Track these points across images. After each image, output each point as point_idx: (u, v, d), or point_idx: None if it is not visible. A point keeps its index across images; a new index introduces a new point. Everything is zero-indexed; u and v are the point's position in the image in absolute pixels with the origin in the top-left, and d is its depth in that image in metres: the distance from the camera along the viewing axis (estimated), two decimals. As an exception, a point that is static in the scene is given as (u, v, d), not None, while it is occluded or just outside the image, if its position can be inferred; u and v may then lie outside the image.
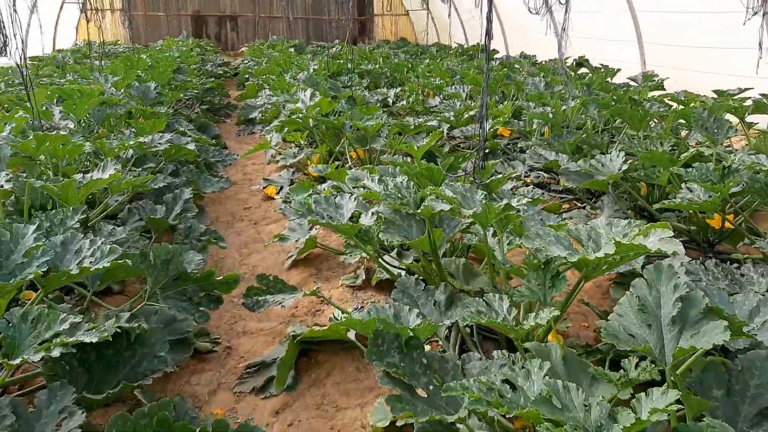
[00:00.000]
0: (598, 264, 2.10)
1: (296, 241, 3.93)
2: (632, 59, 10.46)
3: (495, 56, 12.23)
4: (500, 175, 3.60)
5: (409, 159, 4.43)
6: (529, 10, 5.38)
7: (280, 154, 6.63)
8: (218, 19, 19.84)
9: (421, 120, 5.31)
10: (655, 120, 5.10)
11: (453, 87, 7.29)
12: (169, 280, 2.79)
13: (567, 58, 9.77)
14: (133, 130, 4.86)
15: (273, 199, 5.63)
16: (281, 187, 5.66)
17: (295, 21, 19.71)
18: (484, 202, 2.48)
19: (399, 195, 2.74)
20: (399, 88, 9.48)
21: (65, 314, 1.79)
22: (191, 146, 5.13)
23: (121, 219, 4.12)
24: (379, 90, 9.38)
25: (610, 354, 2.36)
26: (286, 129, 5.84)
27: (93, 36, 17.86)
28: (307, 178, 5.98)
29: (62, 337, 1.69)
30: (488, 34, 3.65)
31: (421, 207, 2.67)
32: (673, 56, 9.89)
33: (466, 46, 14.13)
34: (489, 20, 3.64)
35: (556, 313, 1.94)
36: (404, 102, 8.65)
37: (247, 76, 11.77)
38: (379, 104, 8.16)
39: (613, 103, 4.68)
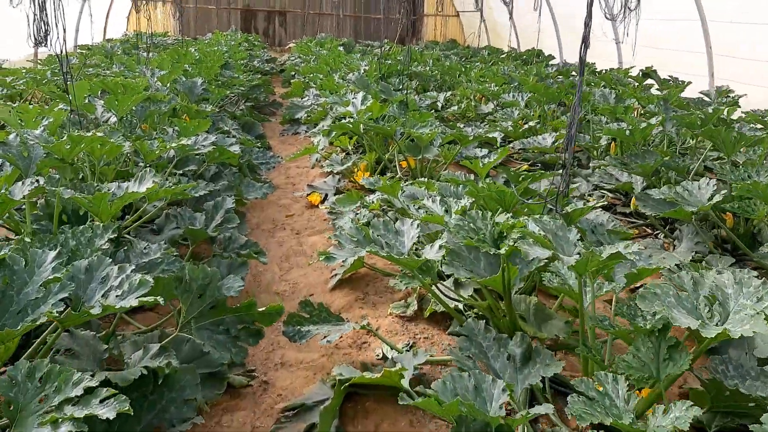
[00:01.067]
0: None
1: (343, 261, 3.59)
2: (700, 72, 9.83)
3: (550, 62, 11.71)
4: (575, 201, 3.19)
5: (469, 176, 4.05)
6: (605, 16, 4.93)
7: (326, 159, 6.32)
8: (267, 14, 19.74)
9: (481, 130, 4.92)
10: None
11: (510, 94, 6.87)
12: (205, 308, 2.48)
13: (631, 68, 9.22)
14: (177, 129, 4.60)
15: (317, 207, 5.31)
16: (326, 195, 5.34)
17: (344, 19, 19.46)
18: (583, 247, 2.09)
19: (472, 227, 2.36)
20: (449, 92, 9.10)
21: (79, 375, 1.47)
22: (235, 148, 4.84)
23: (158, 225, 3.85)
24: (428, 93, 9.02)
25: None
26: (333, 133, 5.52)
27: (143, 26, 17.95)
28: (353, 187, 5.66)
29: (72, 412, 1.38)
30: (585, 41, 3.24)
31: (503, 246, 2.28)
32: (744, 70, 9.24)
33: (519, 50, 13.62)
34: (587, 25, 3.24)
35: (695, 412, 1.52)
36: (455, 107, 8.27)
37: (293, 73, 11.54)
38: (427, 109, 7.80)
39: (700, 123, 4.22)
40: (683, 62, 10.14)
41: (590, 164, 6.00)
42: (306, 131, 8.30)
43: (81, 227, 2.24)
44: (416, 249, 2.65)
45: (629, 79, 8.27)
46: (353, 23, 20.14)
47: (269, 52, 16.12)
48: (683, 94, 7.83)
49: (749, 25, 9.14)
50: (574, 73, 9.86)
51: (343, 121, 5.23)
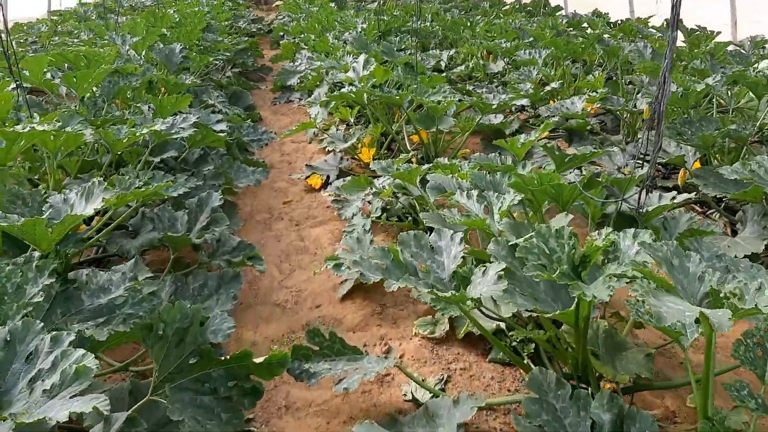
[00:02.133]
0: None
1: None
2: (722, 18, 9.07)
3: (558, 13, 10.91)
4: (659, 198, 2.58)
5: (495, 155, 3.41)
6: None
7: (325, 131, 5.66)
8: (251, -31, 18.61)
9: (504, 95, 4.25)
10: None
11: (526, 52, 6.17)
12: (184, 361, 1.89)
13: (650, 17, 8.47)
14: (153, 107, 3.93)
15: (317, 191, 4.68)
16: (327, 177, 4.70)
17: (333, -28, 18.37)
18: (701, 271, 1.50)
19: (543, 248, 1.75)
20: (453, 50, 8.36)
21: None
22: (221, 127, 4.19)
23: (133, 226, 3.23)
24: (430, 52, 8.29)
25: None
26: (332, 104, 4.85)
27: (121, -12, 16.90)
28: (357, 165, 5.02)
29: None
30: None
31: (590, 278, 1.68)
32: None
33: (522, 1, 12.75)
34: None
35: None
36: (461, 67, 7.55)
37: (282, 33, 10.72)
38: (432, 71, 7.08)
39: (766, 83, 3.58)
40: (702, 9, 9.36)
41: (621, 130, 5.36)
42: (300, 99, 7.59)
43: (3, 265, 1.63)
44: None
45: (651, 30, 7.55)
46: (343, -23, 19.06)
47: (255, 12, 15.18)
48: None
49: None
50: (586, 24, 9.09)
51: (344, 90, 4.56)
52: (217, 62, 6.19)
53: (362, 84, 4.56)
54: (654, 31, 7.52)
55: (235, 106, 6.51)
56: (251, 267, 3.09)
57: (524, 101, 4.21)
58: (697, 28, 7.12)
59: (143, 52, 5.58)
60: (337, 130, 5.36)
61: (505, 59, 7.27)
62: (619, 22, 8.86)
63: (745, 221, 3.64)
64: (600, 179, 2.54)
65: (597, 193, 2.64)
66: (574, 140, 5.35)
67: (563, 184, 2.27)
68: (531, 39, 7.13)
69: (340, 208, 3.93)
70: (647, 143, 2.13)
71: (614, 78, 5.51)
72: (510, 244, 2.01)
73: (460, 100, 4.35)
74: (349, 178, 4.14)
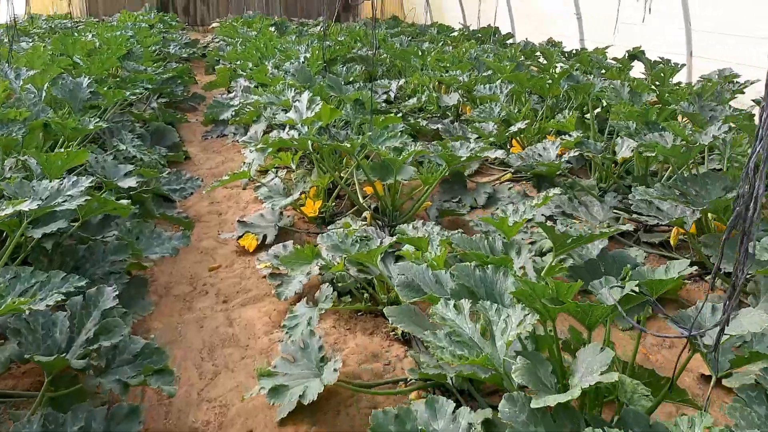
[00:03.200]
0: None
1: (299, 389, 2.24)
2: (677, 50, 8.83)
3: (508, 41, 10.53)
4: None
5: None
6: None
7: (264, 173, 4.91)
8: (186, -11, 17.71)
9: (473, 145, 3.60)
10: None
11: (486, 86, 5.61)
12: None
13: (607, 47, 8.12)
14: (38, 163, 3.10)
15: (251, 254, 3.91)
16: (264, 237, 3.94)
17: (273, -6, 17.71)
18: None
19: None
20: (402, 80, 7.77)
21: None
22: (131, 182, 3.39)
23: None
24: (378, 82, 7.68)
25: None
26: (270, 149, 4.11)
27: (45, 8, 15.66)
28: (301, 220, 4.28)
29: None
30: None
31: None
32: (725, 47, 8.31)
33: (473, 28, 12.38)
34: None
35: None
36: (413, 100, 6.96)
37: (217, 59, 9.90)
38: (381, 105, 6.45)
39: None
40: (654, 38, 9.12)
41: (591, 174, 4.83)
42: (235, 133, 6.81)
43: None
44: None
45: (610, 62, 7.16)
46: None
47: (189, 34, 14.28)
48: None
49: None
50: (539, 54, 8.69)
51: (284, 135, 3.83)
52: (137, 95, 5.35)
53: (306, 128, 3.85)
54: (613, 62, 7.14)
55: (158, 146, 5.68)
56: (158, 389, 2.30)
57: (498, 153, 3.58)
58: (660, 59, 6.77)
59: (44, 87, 4.70)
60: (275, 176, 4.62)
61: (459, 91, 6.72)
62: (574, 51, 8.50)
63: (758, 294, 3.11)
64: (643, 291, 1.90)
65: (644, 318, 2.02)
66: (543, 185, 4.79)
67: (594, 305, 1.63)
68: (489, 71, 6.59)
69: (278, 285, 3.18)
70: (741, 260, 1.49)
71: (583, 116, 5.00)
72: (533, 406, 1.33)
73: (422, 153, 3.68)
74: (290, 245, 3.40)
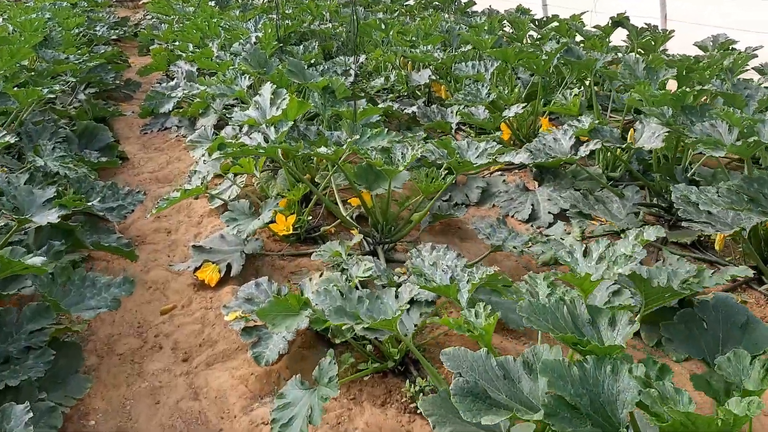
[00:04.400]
0: None
1: None
2: (650, 12, 8.30)
3: (470, 9, 9.83)
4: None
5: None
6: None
7: (218, 176, 4.13)
8: (112, -38, 16.18)
9: (486, 146, 2.90)
10: None
11: (469, 64, 4.93)
12: None
13: (582, 14, 7.52)
14: None
15: (213, 289, 3.16)
16: (228, 266, 3.18)
17: (208, -35, 16.35)
18: None
19: None
20: (363, 56, 7.02)
21: None
22: (51, 216, 2.60)
23: None
24: (336, 59, 6.90)
25: None
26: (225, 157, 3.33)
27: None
28: (272, 240, 3.54)
29: None
30: None
31: None
32: (698, 8, 7.85)
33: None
34: None
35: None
36: (380, 80, 6.21)
37: (152, 38, 8.85)
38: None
39: None
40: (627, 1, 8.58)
41: (596, 161, 4.24)
42: (179, 125, 5.93)
43: None
44: None
45: (591, 30, 6.57)
46: (221, -30, 17.05)
47: (118, 12, 12.99)
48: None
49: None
50: (506, 23, 8.03)
51: (246, 139, 3.06)
52: (56, 93, 4.42)
53: (272, 129, 3.10)
54: (595, 30, 6.55)
55: (87, 149, 4.79)
56: None
57: (523, 157, 2.88)
58: (646, 26, 6.21)
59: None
60: (232, 183, 3.83)
61: (430, 68, 6.01)
62: (544, 19, 7.87)
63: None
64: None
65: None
66: (546, 178, 4.18)
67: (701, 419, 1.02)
68: (465, 46, 5.89)
69: (254, 343, 2.46)
70: None
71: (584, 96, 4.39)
72: None
73: (422, 156, 2.97)
74: (264, 283, 2.68)
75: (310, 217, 3.50)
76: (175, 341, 2.83)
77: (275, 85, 3.59)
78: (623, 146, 3.38)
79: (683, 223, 3.35)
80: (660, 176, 3.54)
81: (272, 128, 3.15)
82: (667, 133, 3.18)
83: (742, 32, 6.21)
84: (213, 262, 3.20)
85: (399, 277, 2.66)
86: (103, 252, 3.43)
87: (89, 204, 2.98)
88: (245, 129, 3.69)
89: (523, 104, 4.20)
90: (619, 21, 6.09)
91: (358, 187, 3.18)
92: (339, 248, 2.75)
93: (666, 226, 3.71)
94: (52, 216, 2.62)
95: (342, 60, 6.89)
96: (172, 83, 5.79)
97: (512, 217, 4.04)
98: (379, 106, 4.35)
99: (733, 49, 5.42)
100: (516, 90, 4.45)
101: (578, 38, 7.17)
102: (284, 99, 3.31)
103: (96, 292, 2.58)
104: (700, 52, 5.60)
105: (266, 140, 3.08)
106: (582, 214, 3.56)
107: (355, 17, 3.83)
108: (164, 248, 3.72)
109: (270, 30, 5.62)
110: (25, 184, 3.17)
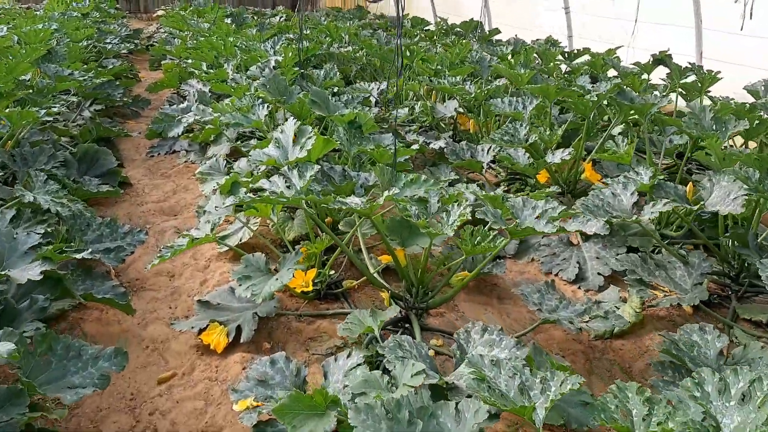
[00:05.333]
0: None
1: None
2: (686, 50, 7.94)
3: (494, 37, 9.50)
4: None
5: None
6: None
7: (235, 221, 3.71)
8: (128, -27, 16.02)
9: (549, 207, 2.48)
10: None
11: (505, 101, 4.55)
12: None
13: (617, 48, 7.16)
14: None
15: (220, 355, 2.73)
16: (237, 329, 2.75)
17: (225, -20, 16.18)
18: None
19: None
20: (385, 82, 6.65)
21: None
22: (33, 271, 2.18)
23: None
24: (356, 86, 6.56)
25: None
26: (241, 198, 2.92)
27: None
28: (289, 296, 3.11)
29: None
30: None
31: None
32: (737, 47, 7.46)
33: (437, 18, 11.29)
34: None
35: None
36: (404, 111, 5.82)
37: (164, 54, 8.52)
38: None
39: None
40: (658, 38, 8.21)
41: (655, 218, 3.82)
42: (188, 150, 5.55)
43: None
44: None
45: (630, 66, 6.20)
46: (236, -15, 16.87)
47: (131, 23, 12.72)
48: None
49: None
50: (535, 55, 7.67)
51: (267, 187, 2.65)
52: (53, 115, 4.02)
53: (296, 172, 2.69)
54: (633, 67, 6.18)
55: (87, 176, 4.40)
56: None
57: (597, 226, 2.44)
58: (690, 65, 5.83)
59: None
60: (244, 225, 3.42)
61: (456, 99, 5.63)
62: (574, 52, 7.51)
63: None
64: None
65: None
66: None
67: None
68: (493, 77, 5.51)
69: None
70: None
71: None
72: None
73: (474, 212, 2.55)
74: (280, 360, 2.25)
75: (331, 273, 3.08)
76: (173, 422, 2.39)
77: (298, 120, 3.19)
78: (693, 208, 2.96)
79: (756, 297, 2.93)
80: (733, 242, 3.13)
81: (295, 172, 2.74)
82: (746, 197, 2.77)
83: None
84: (220, 323, 2.78)
85: (435, 352, 2.25)
86: (93, 307, 3.01)
87: (79, 257, 2.56)
88: (260, 168, 3.29)
89: (570, 150, 3.79)
90: (661, 59, 5.72)
91: (390, 242, 2.76)
92: (370, 321, 2.33)
93: (734, 297, 3.29)
94: (34, 272, 2.21)
95: (363, 86, 6.54)
96: (183, 105, 5.42)
97: (555, 275, 3.62)
98: (412, 146, 3.97)
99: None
100: (558, 132, 4.05)
101: (610, 73, 6.81)
102: (309, 138, 2.91)
103: (81, 366, 2.15)
104: (749, 97, 5.21)
105: (288, 185, 2.68)
106: (642, 282, 3.13)
107: (399, 41, 3.40)
108: (166, 296, 3.30)
109: (291, 53, 5.24)
110: (11, 221, 2.78)
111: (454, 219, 2.44)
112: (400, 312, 2.84)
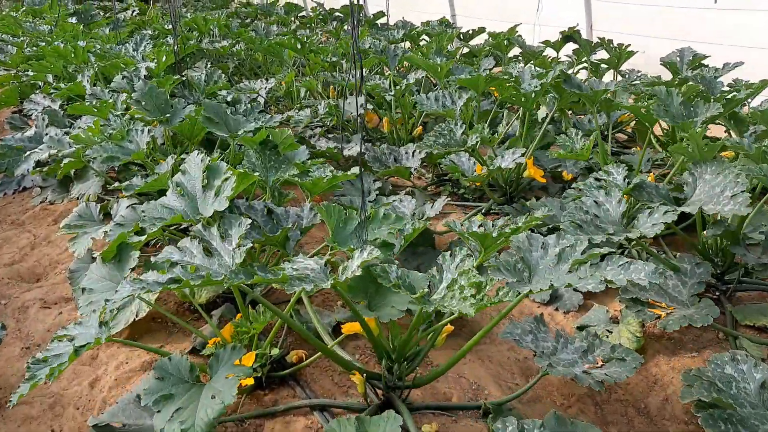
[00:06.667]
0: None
1: None
2: (575, 19, 7.74)
3: (380, 20, 8.92)
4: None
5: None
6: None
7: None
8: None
9: (578, 254, 1.91)
10: None
11: (431, 96, 3.96)
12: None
13: (517, 26, 6.80)
14: None
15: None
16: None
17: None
18: None
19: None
20: (272, 79, 5.89)
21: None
22: None
23: None
24: (242, 85, 5.78)
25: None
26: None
27: None
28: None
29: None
30: None
31: None
32: (626, 17, 7.36)
33: (328, 6, 10.56)
34: None
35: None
36: (304, 112, 5.10)
37: (-4, 66, 7.08)
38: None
39: None
40: (550, 9, 7.98)
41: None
42: (43, 186, 4.45)
43: None
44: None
45: (535, 46, 5.84)
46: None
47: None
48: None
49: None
50: (425, 37, 7.15)
51: (178, 259, 1.86)
52: None
53: (217, 236, 1.92)
54: (539, 45, 5.83)
55: None
56: None
57: (648, 271, 1.87)
58: (600, 39, 5.55)
59: None
60: (140, 299, 2.57)
61: (363, 97, 4.97)
62: (469, 32, 7.09)
63: None
64: None
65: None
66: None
67: None
68: (415, 71, 4.91)
69: None
70: None
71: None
72: None
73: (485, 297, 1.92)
74: None
75: (279, 351, 2.35)
76: None
77: (201, 153, 2.38)
78: (688, 211, 2.54)
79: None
80: (722, 240, 2.76)
81: (215, 232, 1.97)
82: (742, 202, 2.38)
83: (679, 42, 5.68)
84: (132, 457, 1.96)
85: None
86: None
87: None
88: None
89: (521, 150, 3.27)
90: (570, 35, 5.40)
91: (356, 308, 2.08)
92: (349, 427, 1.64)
93: (723, 296, 2.94)
94: None
95: (249, 86, 5.73)
96: (30, 132, 4.30)
97: (526, 296, 3.10)
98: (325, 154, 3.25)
99: (701, 65, 4.87)
100: (502, 130, 3.53)
101: (512, 53, 6.46)
102: (227, 179, 2.13)
103: None
104: (665, 71, 5.00)
105: (208, 254, 1.91)
106: (638, 302, 2.69)
107: (355, 47, 2.67)
108: (44, 412, 2.39)
109: (164, 57, 4.29)
110: None
111: (464, 290, 1.79)
112: (376, 393, 2.19)
